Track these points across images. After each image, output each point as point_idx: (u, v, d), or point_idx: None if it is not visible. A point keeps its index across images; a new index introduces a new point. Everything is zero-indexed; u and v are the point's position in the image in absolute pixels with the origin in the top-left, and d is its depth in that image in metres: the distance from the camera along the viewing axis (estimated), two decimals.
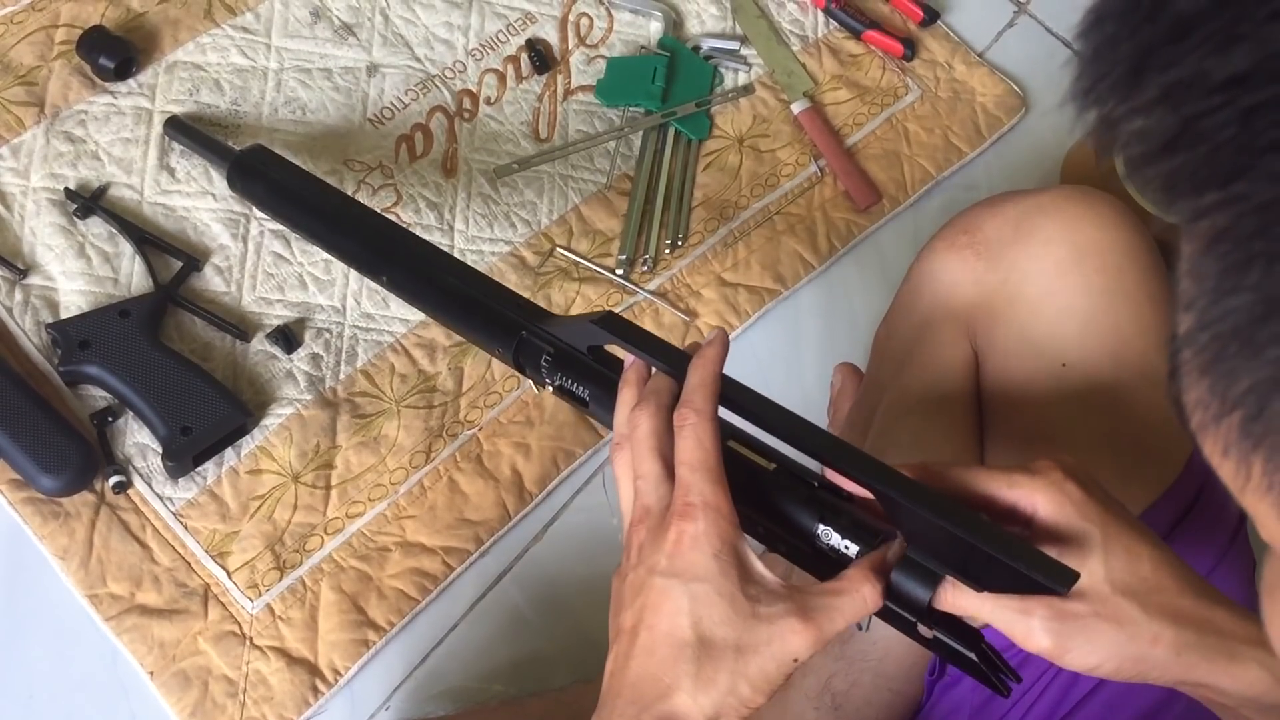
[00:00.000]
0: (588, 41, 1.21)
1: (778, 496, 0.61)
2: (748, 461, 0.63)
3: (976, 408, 0.87)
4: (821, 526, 0.60)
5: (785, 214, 1.16)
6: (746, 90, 1.21)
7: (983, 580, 0.56)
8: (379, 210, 1.01)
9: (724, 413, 0.61)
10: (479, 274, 0.81)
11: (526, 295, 0.81)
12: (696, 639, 0.56)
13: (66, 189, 1.05)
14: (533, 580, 1.01)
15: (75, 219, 1.05)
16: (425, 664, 0.97)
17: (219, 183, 1.07)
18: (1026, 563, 0.54)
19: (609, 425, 0.67)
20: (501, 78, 1.18)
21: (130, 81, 1.10)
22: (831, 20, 1.26)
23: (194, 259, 1.04)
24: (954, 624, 0.59)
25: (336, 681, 0.94)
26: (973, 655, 0.58)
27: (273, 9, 1.16)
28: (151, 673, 0.92)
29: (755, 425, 0.62)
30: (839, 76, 1.23)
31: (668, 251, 1.13)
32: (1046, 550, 0.58)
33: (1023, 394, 0.84)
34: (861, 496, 0.61)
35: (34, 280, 1.02)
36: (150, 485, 0.98)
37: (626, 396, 0.64)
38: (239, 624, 0.95)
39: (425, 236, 1.01)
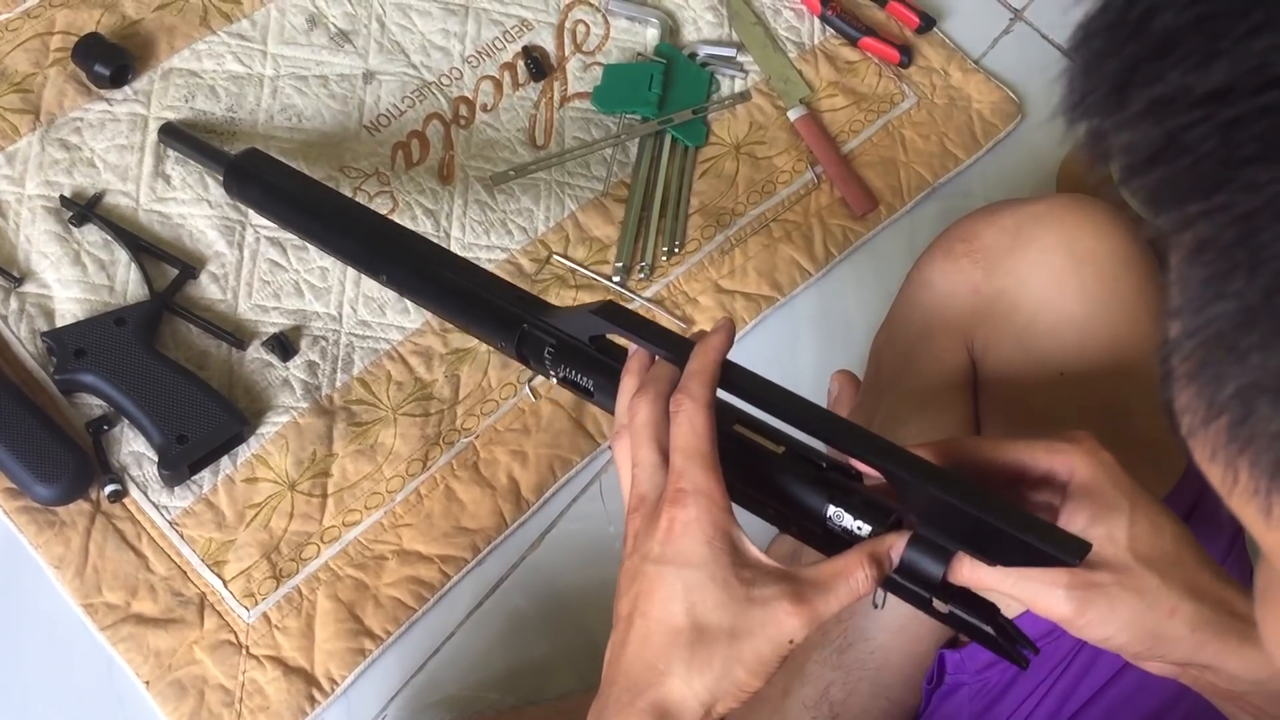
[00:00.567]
0: (584, 48, 1.21)
1: (787, 479, 0.62)
2: (756, 445, 0.63)
3: (974, 415, 0.87)
4: (832, 508, 0.60)
5: (782, 221, 1.16)
6: (743, 97, 1.21)
7: (994, 555, 0.56)
8: None
9: (733, 398, 0.61)
10: (478, 268, 0.81)
11: None
12: (690, 625, 0.56)
13: (62, 196, 1.05)
14: (530, 588, 1.01)
15: (70, 226, 1.04)
16: (422, 673, 0.97)
17: (214, 189, 1.07)
18: (1037, 536, 0.54)
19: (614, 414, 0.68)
20: (498, 85, 1.18)
21: (126, 89, 1.10)
22: (828, 27, 1.26)
23: (190, 267, 1.04)
24: (969, 598, 0.59)
25: (333, 691, 0.94)
26: (989, 628, 0.58)
27: (269, 16, 1.16)
28: (147, 682, 0.92)
29: (762, 409, 0.62)
30: (835, 83, 1.23)
31: (664, 258, 1.13)
32: (1078, 517, 0.58)
33: (1020, 402, 0.84)
34: (870, 476, 0.61)
35: (29, 288, 1.02)
36: (146, 494, 0.97)
37: (628, 385, 0.65)
38: (235, 633, 0.95)
39: None
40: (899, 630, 0.84)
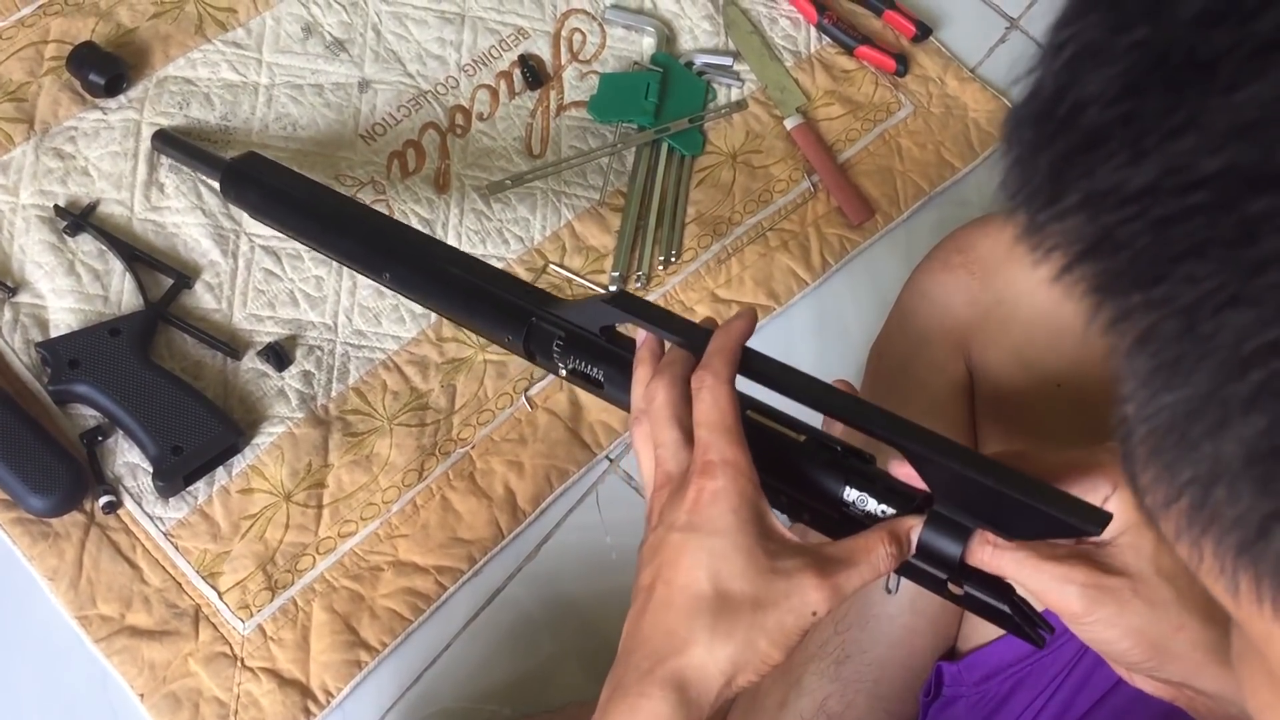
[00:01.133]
0: (580, 57, 1.21)
1: (806, 464, 0.62)
2: (772, 431, 0.63)
3: (971, 426, 0.87)
4: (854, 493, 0.61)
5: (778, 230, 1.16)
6: (739, 106, 1.21)
7: (1013, 529, 0.56)
8: None
9: (752, 385, 0.62)
10: (482, 263, 0.80)
11: None
12: (714, 592, 0.56)
13: (56, 206, 1.04)
14: (527, 599, 1.01)
15: (65, 236, 1.04)
16: (418, 685, 0.97)
17: (209, 197, 1.07)
18: (1059, 507, 0.54)
19: (624, 406, 0.68)
20: (494, 93, 1.17)
21: (120, 97, 1.10)
22: (824, 36, 1.26)
23: (185, 276, 1.04)
24: (984, 578, 0.59)
25: (329, 703, 0.94)
26: (1005, 608, 0.58)
27: (264, 24, 1.16)
28: (142, 695, 0.91)
29: (778, 393, 0.62)
30: (832, 92, 1.23)
31: (661, 268, 1.12)
32: (1112, 524, 0.58)
33: (1017, 413, 0.84)
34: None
35: (23, 298, 1.02)
36: (141, 505, 0.97)
37: (642, 373, 0.65)
38: (230, 645, 0.94)
39: None
40: (897, 643, 0.84)
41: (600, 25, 1.23)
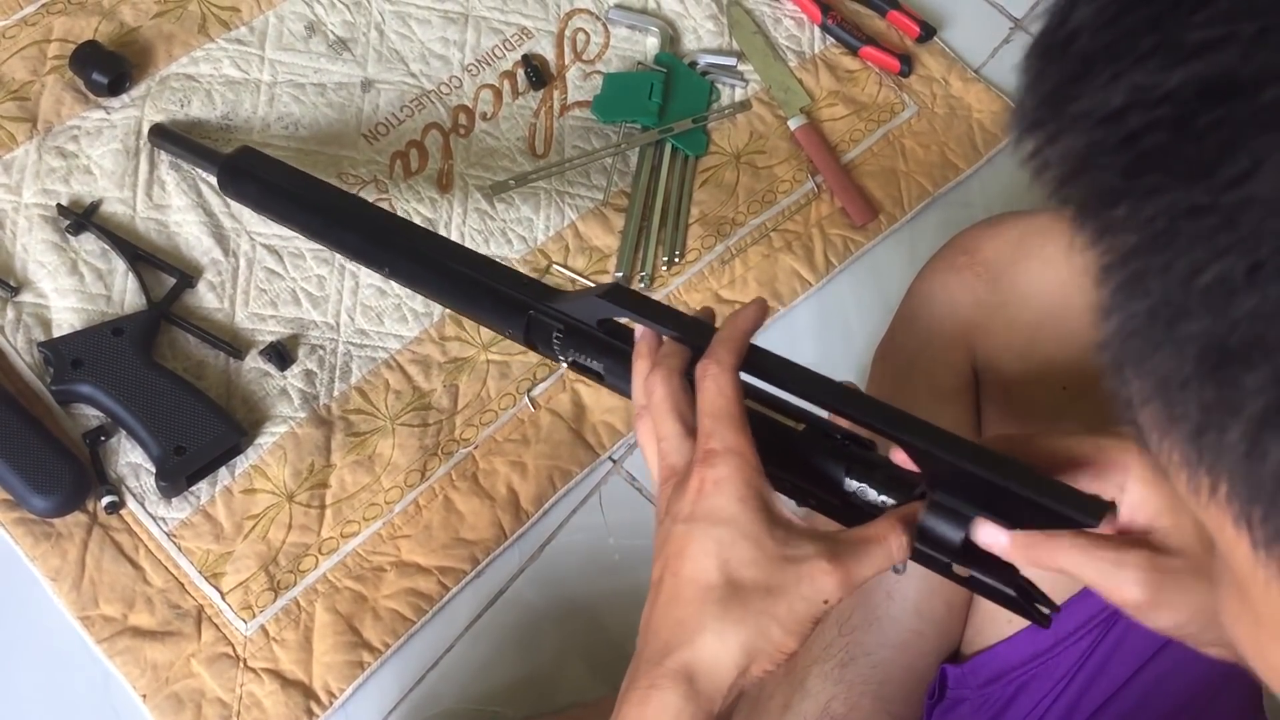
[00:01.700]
0: (584, 57, 1.21)
1: (806, 453, 0.62)
2: (770, 420, 0.63)
3: (977, 428, 0.87)
4: (857, 484, 0.61)
5: (782, 231, 1.15)
6: (743, 106, 1.20)
7: (1012, 520, 0.56)
8: None
9: (752, 380, 0.62)
10: (482, 256, 0.80)
11: None
12: (723, 581, 0.56)
13: (59, 205, 1.04)
14: (530, 600, 1.00)
15: (68, 235, 1.04)
16: (421, 686, 0.97)
17: (210, 195, 1.07)
18: (1056, 498, 0.54)
19: (627, 395, 0.68)
20: (497, 93, 1.17)
21: (123, 96, 1.09)
22: (828, 36, 1.26)
23: (187, 276, 1.04)
24: (989, 560, 0.58)
25: (331, 704, 0.94)
26: (1010, 590, 0.58)
27: (267, 23, 1.15)
28: (144, 695, 0.91)
29: (781, 388, 0.62)
30: (835, 92, 1.23)
31: (664, 268, 1.12)
32: (1146, 506, 0.57)
33: (1024, 415, 0.84)
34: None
35: (26, 298, 1.02)
36: (143, 505, 0.97)
37: (640, 368, 0.65)
38: (233, 646, 0.94)
39: None
40: (901, 645, 0.84)
41: (604, 25, 1.22)
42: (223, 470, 0.98)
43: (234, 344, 1.02)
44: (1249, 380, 0.28)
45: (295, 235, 1.06)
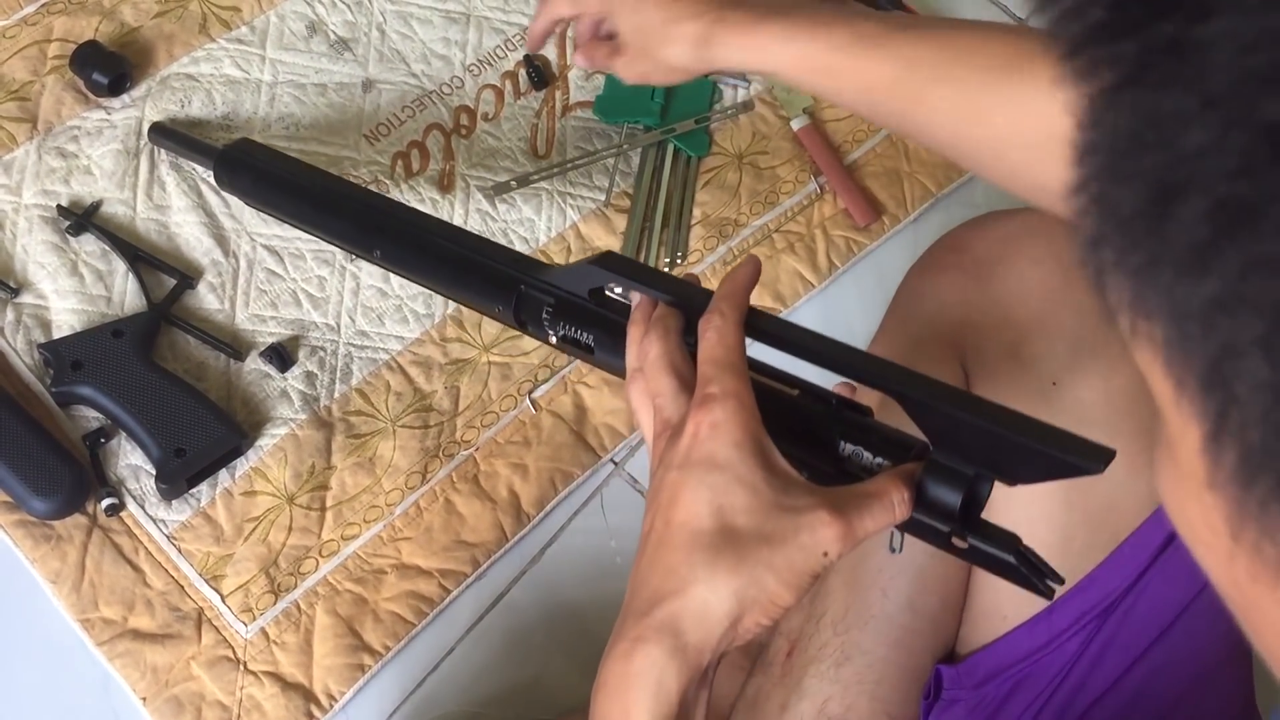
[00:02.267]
0: None
1: (800, 419, 0.61)
2: (763, 386, 0.62)
3: None
4: (850, 446, 0.59)
5: (784, 232, 1.15)
6: (746, 107, 1.20)
7: (1014, 473, 0.54)
8: None
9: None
10: (472, 234, 0.80)
11: None
12: (717, 527, 0.53)
13: (59, 206, 1.04)
14: (531, 603, 1.00)
15: (68, 236, 1.03)
16: (422, 689, 0.96)
17: (212, 198, 1.06)
18: (1058, 446, 0.52)
19: (616, 371, 0.67)
20: (499, 93, 1.17)
21: (124, 96, 1.09)
22: None
23: (187, 277, 1.03)
24: (988, 530, 0.57)
25: (332, 707, 0.93)
26: (1010, 558, 0.56)
27: (268, 22, 1.15)
28: (144, 699, 0.91)
29: (780, 349, 0.61)
30: None
31: (667, 269, 1.12)
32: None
33: None
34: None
35: (26, 299, 1.01)
36: (143, 507, 0.96)
37: (635, 333, 0.64)
38: (233, 648, 0.94)
39: None
40: (896, 643, 0.84)
41: None
42: (223, 472, 0.98)
43: (234, 345, 1.02)
44: (1182, 213, 0.28)
45: (296, 236, 1.06)
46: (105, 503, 0.95)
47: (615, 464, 1.05)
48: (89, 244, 1.04)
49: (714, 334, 0.58)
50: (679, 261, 1.12)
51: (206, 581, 0.95)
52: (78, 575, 0.93)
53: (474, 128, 1.15)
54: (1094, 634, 0.79)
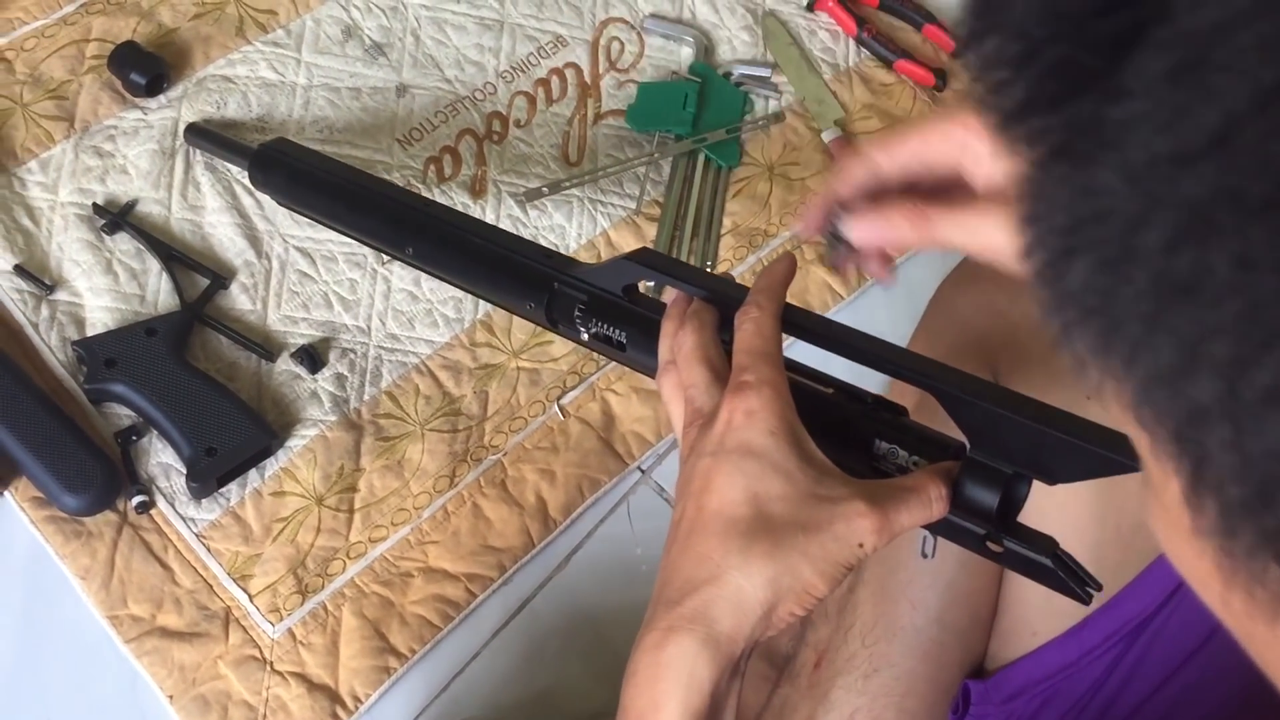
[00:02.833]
0: (619, 66, 1.21)
1: (835, 418, 0.61)
2: (798, 384, 0.62)
3: None
4: (885, 445, 0.59)
5: (814, 243, 1.15)
6: (777, 118, 1.20)
7: (1055, 472, 0.54)
8: None
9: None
10: (505, 232, 0.80)
11: None
12: (752, 514, 0.53)
13: (95, 204, 1.04)
14: (557, 609, 1.00)
15: (103, 235, 1.04)
16: (446, 693, 0.96)
17: (245, 199, 1.07)
18: (1103, 443, 0.52)
19: (647, 370, 0.67)
20: (532, 100, 1.17)
21: (160, 97, 1.10)
22: (863, 49, 1.25)
23: (221, 277, 1.04)
24: (1025, 533, 0.56)
25: (357, 709, 0.93)
26: (1047, 561, 0.55)
27: (304, 25, 1.16)
28: (171, 696, 0.91)
29: (815, 344, 0.62)
30: (870, 105, 1.23)
31: None
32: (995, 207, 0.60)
33: None
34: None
35: (60, 296, 1.02)
36: (173, 506, 0.97)
37: (669, 327, 0.64)
38: (260, 648, 0.94)
39: None
40: (925, 656, 0.83)
41: (639, 34, 1.22)
42: (252, 472, 0.98)
43: (266, 346, 1.02)
44: (1124, 290, 0.29)
45: (329, 238, 1.06)
46: (136, 500, 0.95)
47: (642, 471, 1.05)
48: (124, 243, 1.04)
49: (751, 325, 0.58)
50: (709, 270, 1.12)
51: (235, 581, 0.95)
52: (107, 572, 0.94)
53: (506, 134, 1.15)
54: (1125, 652, 0.78)
